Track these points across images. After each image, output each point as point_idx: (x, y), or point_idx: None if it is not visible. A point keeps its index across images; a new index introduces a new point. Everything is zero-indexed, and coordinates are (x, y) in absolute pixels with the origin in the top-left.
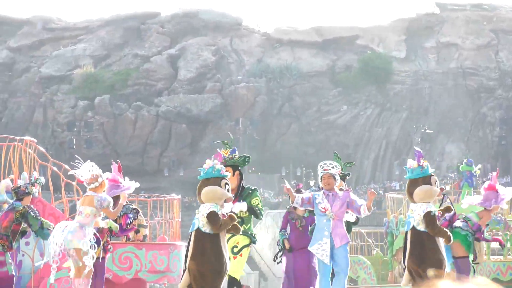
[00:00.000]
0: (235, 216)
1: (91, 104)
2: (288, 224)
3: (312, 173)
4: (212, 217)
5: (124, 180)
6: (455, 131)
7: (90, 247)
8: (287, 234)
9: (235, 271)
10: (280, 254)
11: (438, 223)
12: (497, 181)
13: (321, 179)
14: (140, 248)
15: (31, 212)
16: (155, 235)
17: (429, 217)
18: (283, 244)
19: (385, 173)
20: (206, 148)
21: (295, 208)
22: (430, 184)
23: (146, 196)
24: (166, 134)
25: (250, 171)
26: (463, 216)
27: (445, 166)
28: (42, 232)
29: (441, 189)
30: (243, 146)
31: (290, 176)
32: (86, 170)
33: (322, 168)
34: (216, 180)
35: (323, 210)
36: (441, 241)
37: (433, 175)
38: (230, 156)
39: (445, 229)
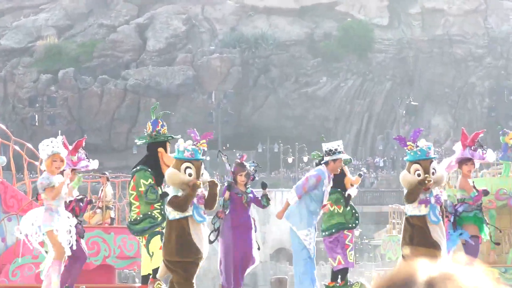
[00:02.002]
0: (215, 182)
1: (54, 78)
2: (231, 198)
3: (291, 150)
4: (173, 203)
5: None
6: (442, 103)
7: (66, 231)
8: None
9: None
10: (216, 233)
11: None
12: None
13: (334, 161)
14: (108, 233)
15: None
16: (124, 218)
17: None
18: (217, 216)
19: (367, 149)
20: (178, 123)
21: (235, 182)
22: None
23: (114, 176)
24: (135, 109)
25: (224, 147)
26: (457, 198)
27: (432, 139)
28: None
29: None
30: (217, 121)
31: (267, 153)
32: (42, 149)
33: (338, 150)
34: (177, 162)
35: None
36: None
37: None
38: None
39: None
